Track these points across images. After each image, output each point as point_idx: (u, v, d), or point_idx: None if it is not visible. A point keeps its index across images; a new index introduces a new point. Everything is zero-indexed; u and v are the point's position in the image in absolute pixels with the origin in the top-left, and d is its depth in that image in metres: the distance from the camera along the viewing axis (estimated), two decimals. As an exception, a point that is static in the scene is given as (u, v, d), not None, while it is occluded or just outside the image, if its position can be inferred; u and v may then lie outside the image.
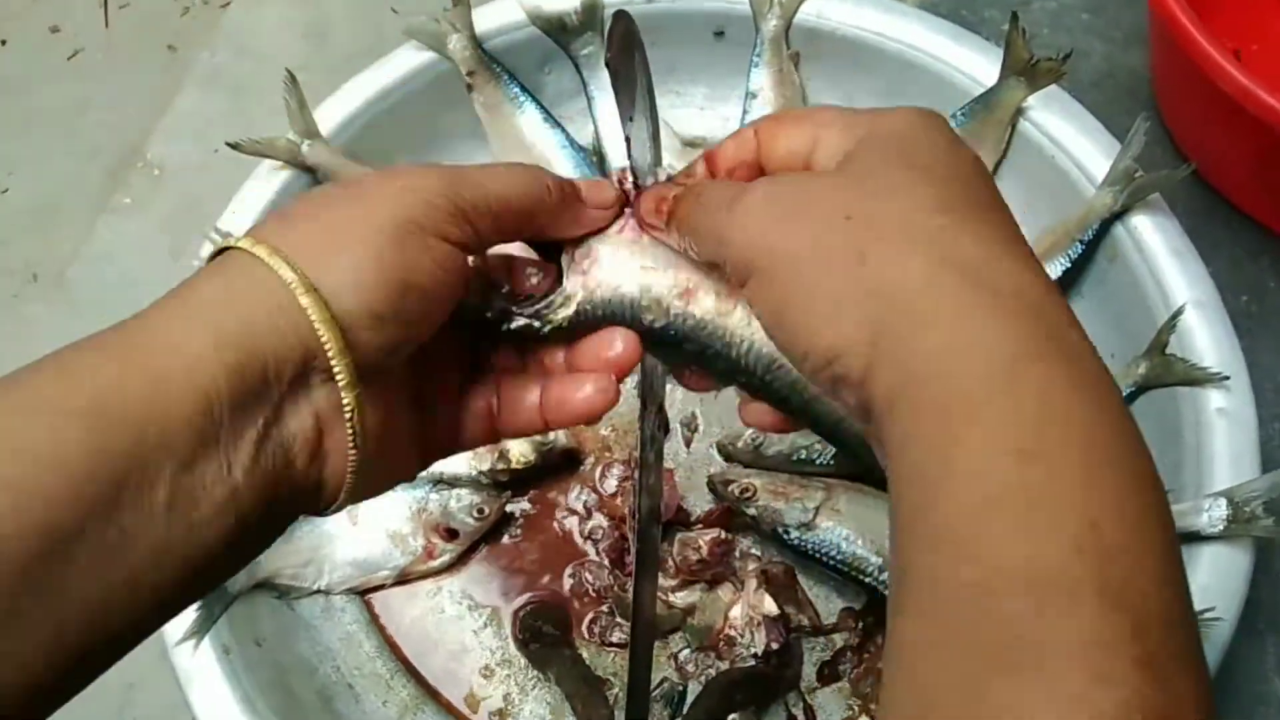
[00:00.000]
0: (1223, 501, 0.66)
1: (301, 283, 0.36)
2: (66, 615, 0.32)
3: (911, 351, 0.34)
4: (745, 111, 0.89)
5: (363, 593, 0.77)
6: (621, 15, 0.50)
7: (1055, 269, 0.78)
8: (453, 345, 0.47)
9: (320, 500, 0.40)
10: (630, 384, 0.84)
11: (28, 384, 0.34)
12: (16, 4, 1.28)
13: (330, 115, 0.86)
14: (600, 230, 0.47)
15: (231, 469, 0.35)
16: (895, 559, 0.34)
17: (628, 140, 0.49)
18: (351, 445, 0.39)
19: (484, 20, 0.88)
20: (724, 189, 0.41)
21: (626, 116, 0.51)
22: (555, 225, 0.45)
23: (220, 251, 0.39)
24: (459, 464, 0.79)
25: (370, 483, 0.42)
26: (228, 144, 0.81)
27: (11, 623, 0.31)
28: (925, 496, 0.33)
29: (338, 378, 0.37)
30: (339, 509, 0.41)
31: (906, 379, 0.34)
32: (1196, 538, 0.67)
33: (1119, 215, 0.77)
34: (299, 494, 0.39)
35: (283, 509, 0.39)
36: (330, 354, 0.37)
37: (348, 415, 0.38)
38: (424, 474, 0.77)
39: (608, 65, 0.51)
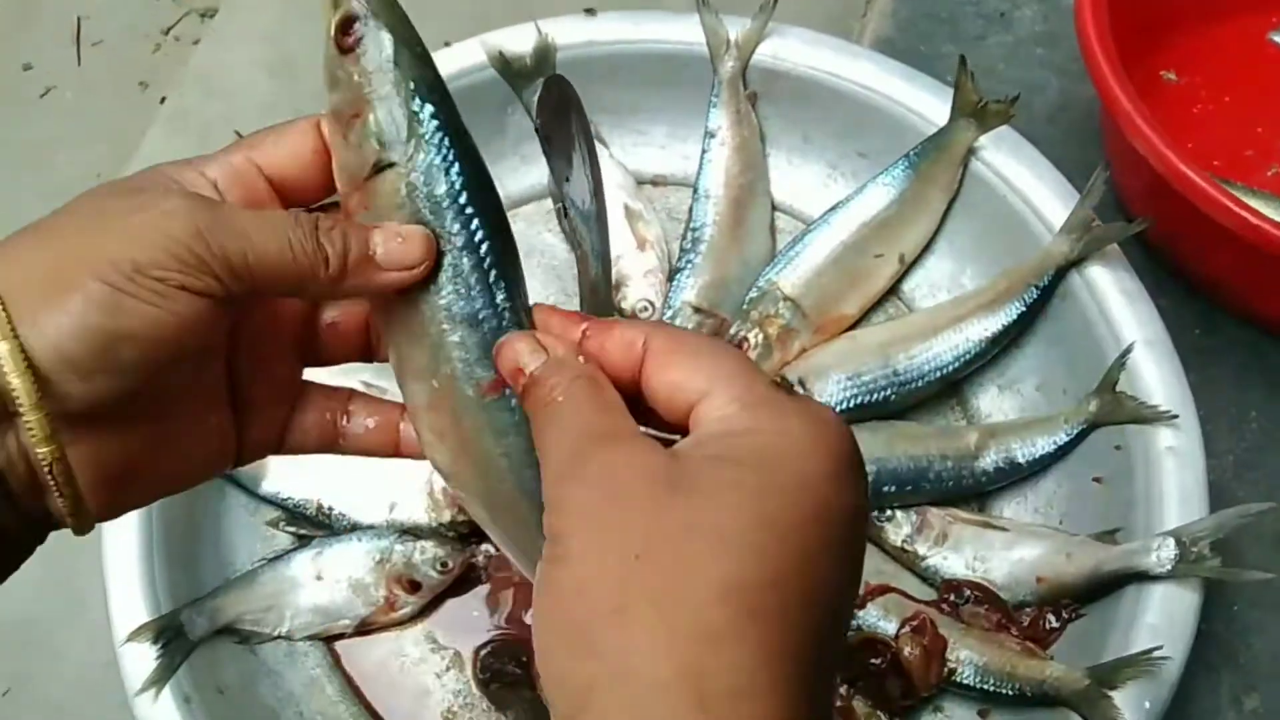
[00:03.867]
0: (1171, 541, 0.68)
1: (1, 326, 0.35)
2: None
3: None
4: (704, 150, 0.90)
5: (325, 639, 0.78)
6: (554, 80, 0.51)
7: (1012, 312, 0.79)
8: (277, 341, 0.45)
9: (59, 524, 0.39)
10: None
11: None
12: (-13, 43, 1.29)
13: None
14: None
15: None
16: None
17: (562, 207, 0.50)
18: (57, 493, 0.37)
19: (447, 62, 0.89)
20: (580, 411, 0.37)
21: (564, 178, 0.52)
22: (336, 289, 0.40)
23: None
24: (419, 515, 0.79)
25: (136, 504, 0.41)
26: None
27: None
28: None
29: (28, 431, 0.36)
30: (93, 526, 0.40)
31: None
32: (1145, 577, 0.68)
33: (1074, 262, 0.78)
34: (29, 519, 0.38)
35: (10, 535, 0.38)
36: (20, 406, 0.35)
37: (44, 465, 0.36)
38: (387, 523, 0.79)
39: (537, 131, 0.52)
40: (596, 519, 0.35)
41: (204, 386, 0.42)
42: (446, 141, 0.40)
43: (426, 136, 0.40)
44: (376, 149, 0.40)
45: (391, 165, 0.40)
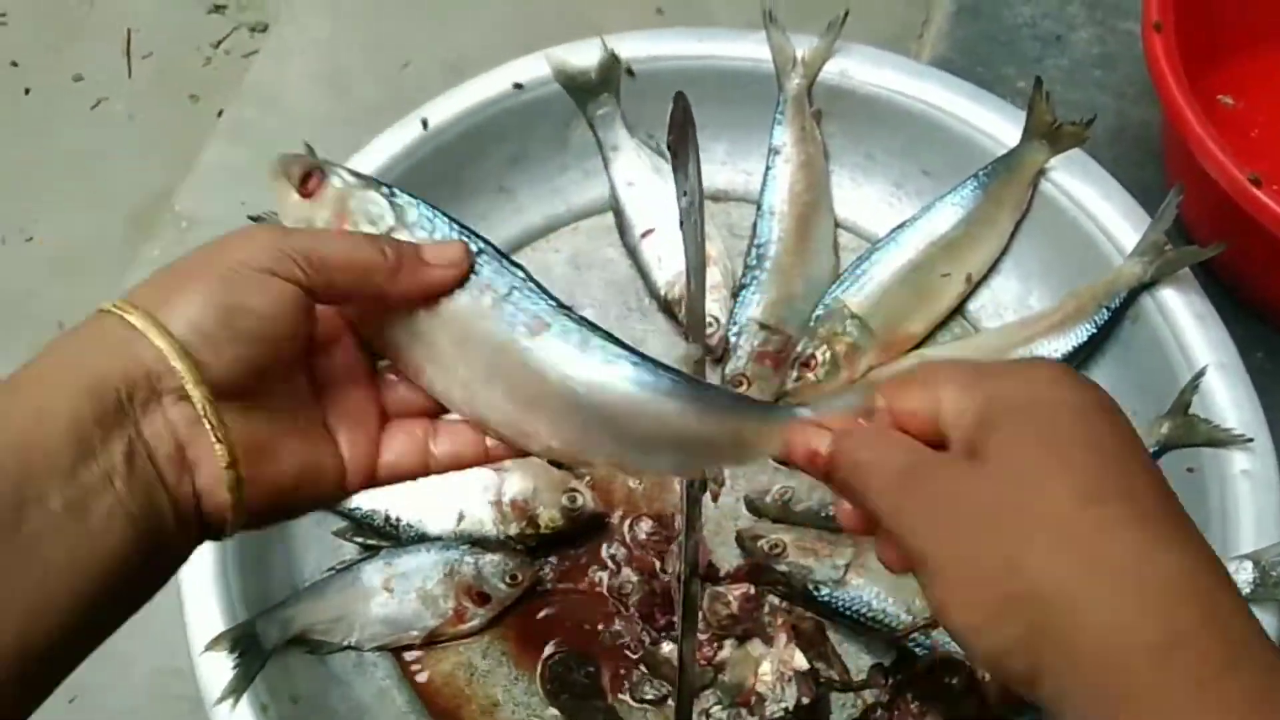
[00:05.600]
0: (1249, 564, 0.68)
1: (139, 313, 0.42)
2: None
3: (1072, 658, 0.36)
4: (768, 167, 0.90)
5: (394, 649, 0.78)
6: (679, 97, 0.52)
7: (1081, 334, 0.80)
8: (360, 377, 0.51)
9: (207, 517, 0.44)
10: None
11: None
12: (39, 53, 1.30)
13: (362, 169, 0.85)
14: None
15: (111, 478, 0.40)
16: None
17: (680, 219, 0.51)
18: (220, 453, 0.43)
19: (512, 76, 0.90)
20: (891, 460, 0.42)
21: (681, 192, 0.53)
22: (395, 283, 0.47)
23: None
24: (486, 527, 0.79)
25: (266, 502, 0.46)
26: (250, 217, 0.82)
27: None
28: None
29: (186, 386, 0.42)
30: (235, 529, 0.45)
31: (1071, 686, 0.36)
32: (1224, 599, 0.68)
33: (1145, 285, 0.78)
34: (180, 507, 0.43)
35: (169, 525, 0.42)
36: (175, 366, 0.42)
37: (206, 421, 0.42)
38: (454, 535, 0.79)
39: (668, 146, 0.53)
40: (944, 524, 0.40)
41: (298, 389, 0.49)
42: (421, 201, 0.51)
43: (403, 203, 0.50)
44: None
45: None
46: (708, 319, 0.87)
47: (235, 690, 0.69)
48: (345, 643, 0.77)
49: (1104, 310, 0.79)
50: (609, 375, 0.48)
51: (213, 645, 0.70)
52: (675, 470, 0.49)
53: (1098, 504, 0.37)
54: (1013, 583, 0.37)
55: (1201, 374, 0.74)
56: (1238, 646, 0.35)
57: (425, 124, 0.89)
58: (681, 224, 0.51)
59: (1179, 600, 0.36)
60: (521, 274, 0.51)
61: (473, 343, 0.49)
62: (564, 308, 0.50)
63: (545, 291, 0.51)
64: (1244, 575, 0.68)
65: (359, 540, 0.81)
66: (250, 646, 0.71)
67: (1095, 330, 0.79)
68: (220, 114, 1.16)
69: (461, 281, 0.49)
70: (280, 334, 0.45)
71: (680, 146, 0.51)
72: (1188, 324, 0.77)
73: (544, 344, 0.49)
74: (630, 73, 0.90)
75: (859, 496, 0.43)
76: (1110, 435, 0.40)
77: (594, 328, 0.50)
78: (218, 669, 0.70)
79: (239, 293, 0.44)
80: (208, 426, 0.42)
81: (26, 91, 1.28)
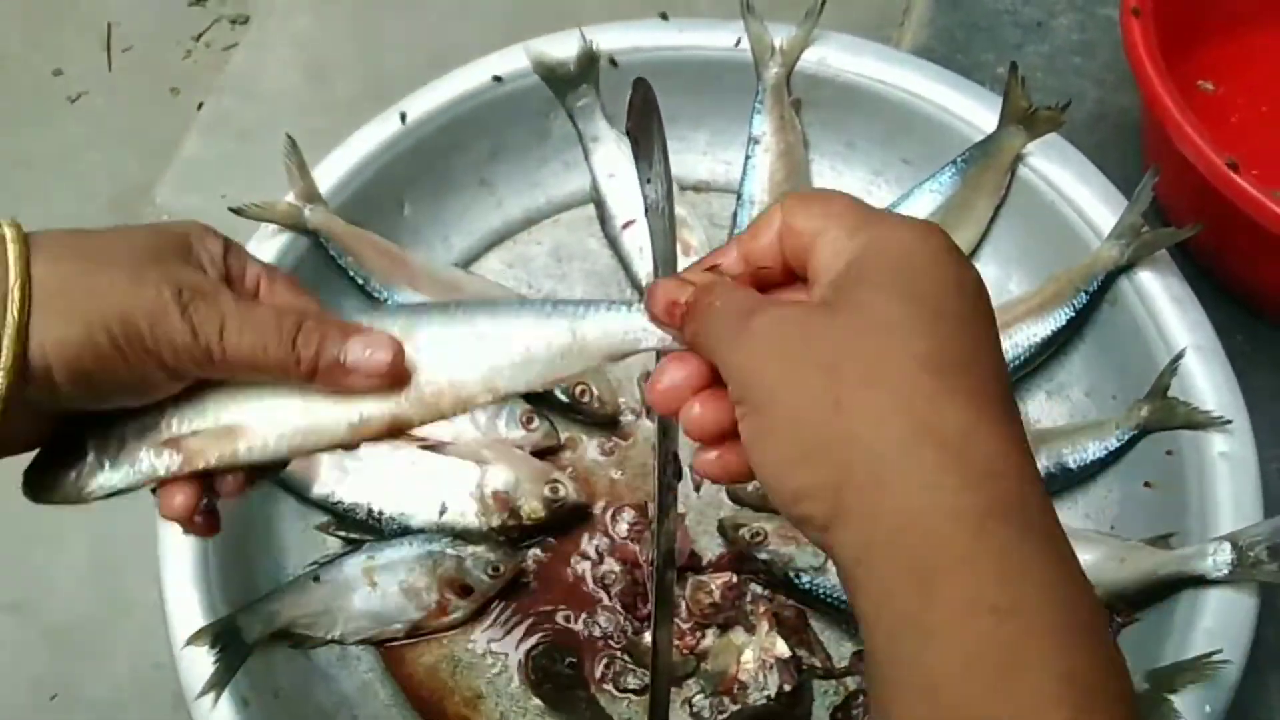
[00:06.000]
0: (1227, 546, 0.68)
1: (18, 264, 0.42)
2: None
3: (878, 509, 0.36)
4: (748, 156, 0.90)
5: (377, 643, 0.78)
6: (640, 82, 0.52)
7: (1060, 318, 0.80)
8: None
9: None
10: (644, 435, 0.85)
11: None
12: (18, 46, 1.29)
13: (339, 165, 0.87)
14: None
15: None
16: (876, 704, 0.37)
17: (646, 208, 0.50)
18: None
19: (491, 68, 0.90)
20: (734, 302, 0.42)
21: (644, 179, 0.52)
22: (311, 385, 0.46)
23: None
24: (469, 519, 0.79)
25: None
26: (230, 209, 0.82)
27: None
28: (905, 652, 0.35)
29: None
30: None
31: (872, 537, 0.36)
32: (1202, 582, 0.69)
33: (1123, 268, 0.78)
34: None
35: None
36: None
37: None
38: (437, 528, 0.79)
39: (628, 133, 0.52)
40: (778, 359, 0.39)
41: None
42: None
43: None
44: None
45: None
46: (689, 308, 0.87)
47: (217, 685, 0.69)
48: (328, 636, 0.77)
49: (1082, 294, 0.79)
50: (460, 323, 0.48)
51: (194, 640, 0.70)
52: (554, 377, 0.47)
53: (938, 374, 0.37)
54: (835, 425, 0.37)
55: (1180, 356, 0.75)
56: (1039, 526, 0.36)
57: (404, 118, 0.88)
58: (648, 214, 0.51)
59: (998, 477, 0.36)
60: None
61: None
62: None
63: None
64: (1222, 557, 0.68)
65: (341, 534, 0.81)
66: (232, 641, 0.71)
67: (1074, 314, 0.80)
68: (200, 106, 1.15)
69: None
70: (131, 395, 0.45)
71: (642, 134, 0.50)
72: (1166, 307, 0.77)
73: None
74: (614, 63, 0.90)
75: (701, 342, 0.43)
76: (971, 312, 0.39)
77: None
78: (199, 664, 0.70)
79: (106, 366, 0.43)
80: None
81: (6, 86, 1.28)
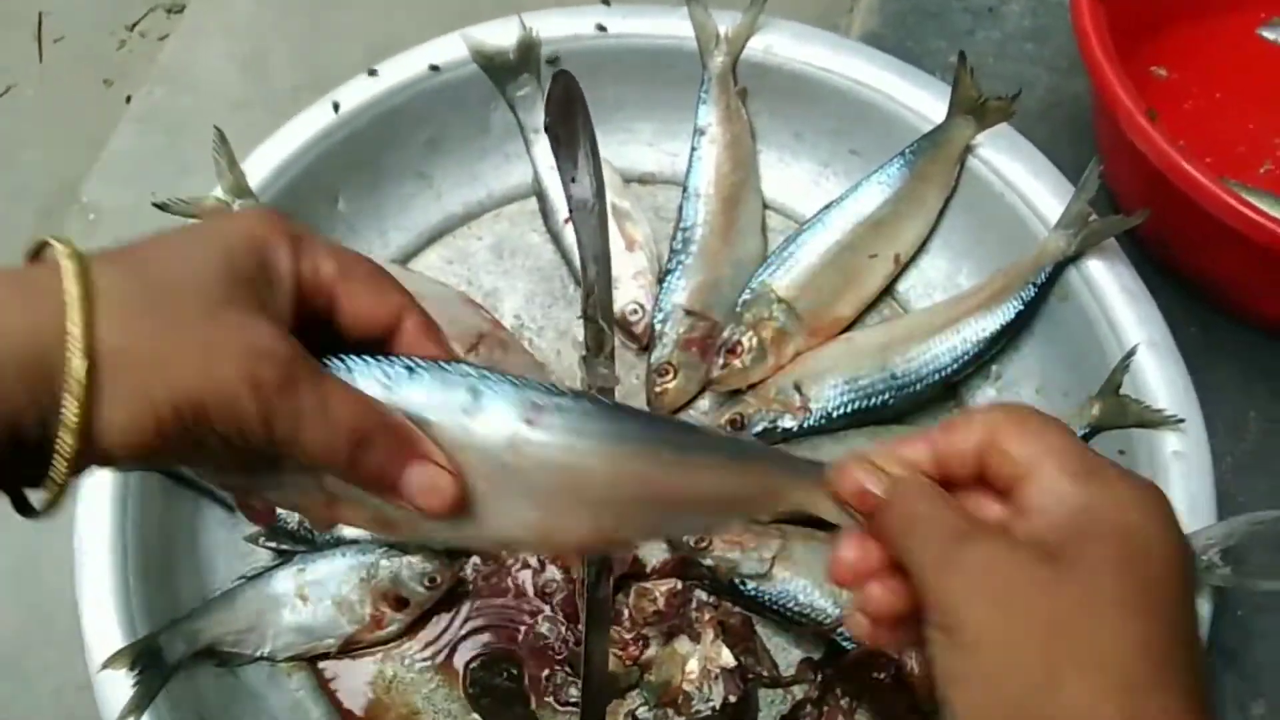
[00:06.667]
0: (1179, 548, 0.66)
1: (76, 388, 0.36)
2: None
3: None
4: (694, 148, 0.88)
5: (309, 659, 0.75)
6: (561, 75, 0.49)
7: (1009, 311, 0.78)
8: None
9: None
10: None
11: None
12: (-56, 40, 1.25)
13: (270, 158, 0.83)
14: None
15: None
16: None
17: (570, 206, 0.48)
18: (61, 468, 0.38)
19: (430, 56, 0.87)
20: (945, 521, 0.41)
21: (569, 178, 0.50)
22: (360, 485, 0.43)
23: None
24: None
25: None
26: (154, 204, 0.79)
27: None
28: None
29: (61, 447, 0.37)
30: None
31: None
32: (1154, 585, 0.67)
33: (1072, 258, 0.76)
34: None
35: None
36: (61, 446, 0.37)
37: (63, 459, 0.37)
38: (372, 538, 0.76)
39: (547, 130, 0.50)
40: (992, 604, 0.38)
41: None
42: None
43: None
44: None
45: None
46: (632, 306, 0.84)
47: (135, 709, 0.66)
48: (257, 654, 0.74)
49: (1030, 286, 0.77)
50: (633, 444, 0.44)
51: (111, 663, 0.67)
52: (709, 528, 0.46)
53: (1155, 662, 0.37)
54: (1046, 697, 0.36)
55: (1132, 354, 0.73)
56: None
57: (336, 107, 0.85)
58: (574, 214, 0.48)
59: None
60: (468, 369, 0.45)
61: (472, 468, 0.43)
62: (535, 381, 0.44)
63: (503, 374, 0.44)
64: (1174, 560, 0.66)
65: (272, 546, 0.77)
66: (152, 662, 0.68)
67: (1023, 307, 0.78)
68: (129, 99, 1.11)
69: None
70: (192, 462, 0.42)
71: (564, 130, 0.48)
72: (1117, 301, 0.75)
73: (548, 431, 0.43)
74: (552, 62, 0.87)
75: (900, 545, 0.42)
76: (1181, 599, 0.39)
77: (579, 393, 0.44)
78: (118, 687, 0.67)
79: (172, 447, 0.39)
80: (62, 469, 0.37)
81: (-71, 80, 1.23)
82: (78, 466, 0.37)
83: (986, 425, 0.43)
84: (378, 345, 0.45)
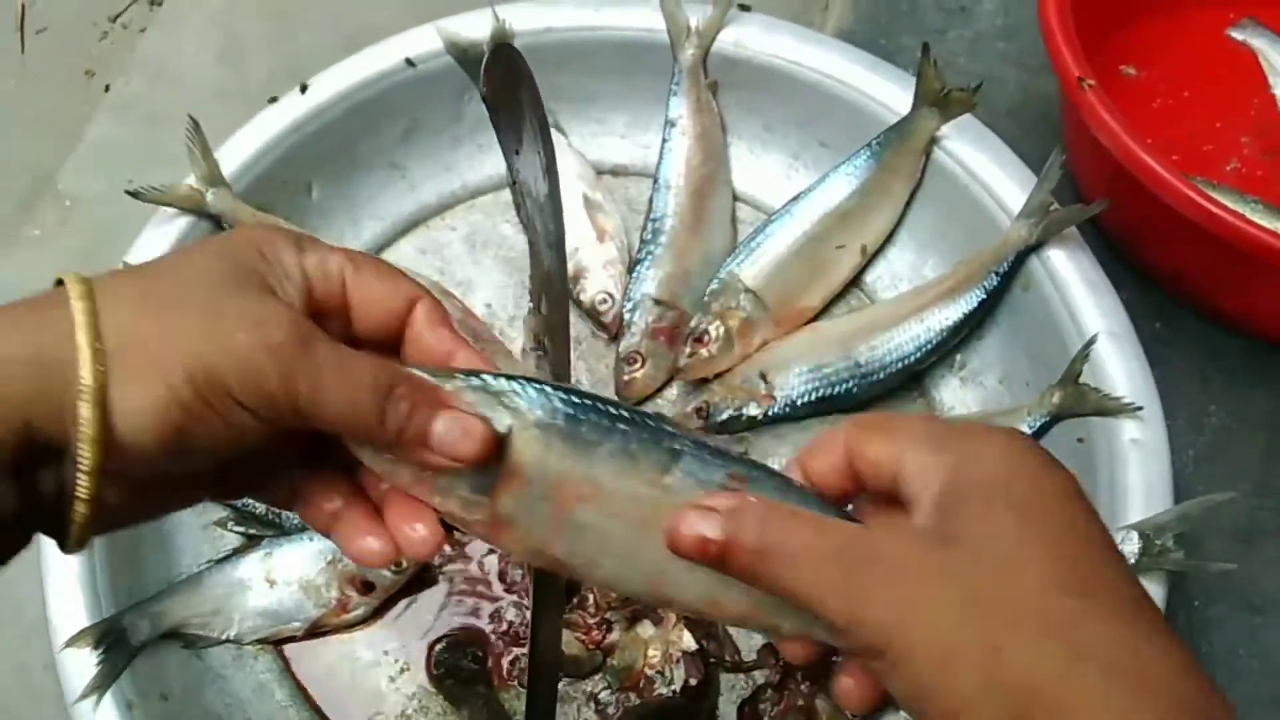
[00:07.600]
0: (1135, 535, 0.67)
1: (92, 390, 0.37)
2: None
3: None
4: (665, 140, 0.88)
5: (275, 642, 0.75)
6: (502, 49, 0.49)
7: (972, 300, 0.79)
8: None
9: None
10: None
11: None
12: (-77, 29, 1.24)
13: (244, 147, 0.84)
14: None
15: None
16: None
17: (513, 184, 0.48)
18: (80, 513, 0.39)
19: (403, 49, 0.87)
20: (820, 542, 0.39)
21: (512, 152, 0.50)
22: (386, 450, 0.42)
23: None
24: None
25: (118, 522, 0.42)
26: (127, 192, 0.79)
27: None
28: None
29: (80, 476, 0.37)
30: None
31: None
32: (1109, 570, 0.67)
33: (1034, 248, 0.77)
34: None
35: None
36: (81, 458, 0.37)
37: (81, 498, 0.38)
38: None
39: (484, 100, 0.49)
40: (910, 608, 0.37)
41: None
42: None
43: None
44: None
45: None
46: (602, 295, 0.85)
47: (98, 688, 0.66)
48: (224, 636, 0.74)
49: (993, 275, 0.78)
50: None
51: (74, 641, 0.67)
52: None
53: (1078, 595, 0.37)
54: (996, 670, 0.36)
55: (1091, 343, 0.74)
56: None
57: (304, 89, 0.86)
58: (514, 187, 0.48)
59: (1170, 693, 0.36)
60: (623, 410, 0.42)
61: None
62: (658, 422, 0.42)
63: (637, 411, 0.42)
64: (1129, 546, 0.67)
65: (239, 530, 0.78)
66: (116, 642, 0.69)
67: (985, 296, 0.78)
68: (107, 89, 1.12)
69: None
70: (218, 457, 0.40)
71: (504, 103, 0.48)
72: (1079, 291, 0.76)
73: (683, 478, 0.41)
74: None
75: (775, 585, 0.39)
76: (1085, 522, 0.39)
77: (699, 440, 0.42)
78: (81, 666, 0.67)
79: (197, 421, 0.38)
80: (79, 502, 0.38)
81: (-91, 70, 1.23)
82: (104, 459, 0.37)
83: (844, 439, 0.42)
84: (390, 337, 0.45)
